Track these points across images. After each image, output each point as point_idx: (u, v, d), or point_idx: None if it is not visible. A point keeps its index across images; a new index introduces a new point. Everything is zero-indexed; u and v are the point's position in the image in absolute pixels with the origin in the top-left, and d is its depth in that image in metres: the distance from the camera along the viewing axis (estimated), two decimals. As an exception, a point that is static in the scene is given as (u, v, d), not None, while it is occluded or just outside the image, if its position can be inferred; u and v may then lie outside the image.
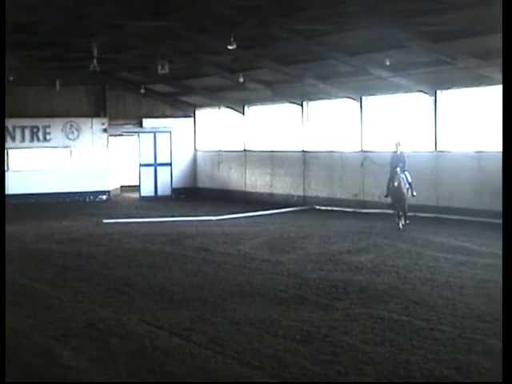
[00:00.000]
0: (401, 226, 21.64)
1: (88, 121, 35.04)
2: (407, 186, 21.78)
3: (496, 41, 20.61)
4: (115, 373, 9.12)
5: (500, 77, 22.55)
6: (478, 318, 11.43)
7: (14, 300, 13.44)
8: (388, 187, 21.98)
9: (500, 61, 21.48)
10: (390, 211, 26.09)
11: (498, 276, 14.75)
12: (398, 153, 22.22)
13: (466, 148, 24.77)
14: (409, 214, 21.78)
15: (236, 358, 9.60)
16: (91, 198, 34.52)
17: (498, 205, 22.80)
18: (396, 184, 21.36)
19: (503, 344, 5.32)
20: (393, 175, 21.61)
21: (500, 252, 17.44)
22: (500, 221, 21.83)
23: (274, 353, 9.77)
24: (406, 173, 21.93)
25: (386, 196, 22.42)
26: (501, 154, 23.53)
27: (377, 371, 8.95)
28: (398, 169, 21.40)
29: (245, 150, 33.76)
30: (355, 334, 10.69)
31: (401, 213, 21.96)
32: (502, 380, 5.33)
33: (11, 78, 31.64)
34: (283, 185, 31.60)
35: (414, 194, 21.97)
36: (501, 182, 23.81)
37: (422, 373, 8.83)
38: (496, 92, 23.58)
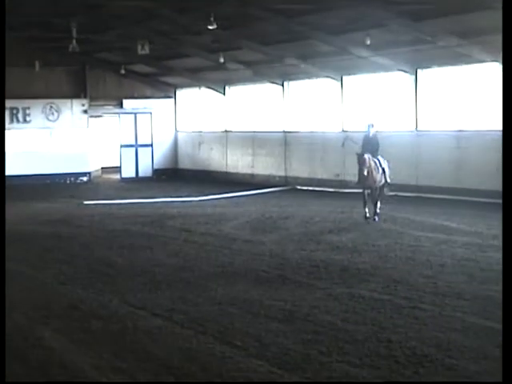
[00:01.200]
0: (367, 214, 19.60)
1: (68, 102, 34.88)
2: (380, 172, 19.80)
3: (475, 19, 20.73)
4: (97, 354, 9.13)
5: (478, 55, 22.72)
6: (458, 296, 11.51)
7: None
8: (358, 175, 19.73)
9: (480, 39, 21.78)
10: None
11: (477, 254, 14.90)
12: (371, 135, 20.19)
13: (446, 127, 24.85)
14: (390, 193, 21.60)
15: (218, 337, 9.63)
16: (72, 179, 34.42)
17: (476, 183, 23.06)
18: (365, 173, 19.20)
19: (503, 344, 5.22)
20: (361, 163, 19.32)
21: (479, 230, 17.65)
22: (479, 199, 22.16)
23: (255, 332, 9.81)
24: (380, 157, 19.98)
25: (357, 184, 20.24)
26: (480, 133, 23.89)
27: (358, 350, 9.01)
28: (366, 156, 19.33)
29: (226, 130, 33.75)
30: (336, 313, 10.74)
31: (372, 201, 19.83)
32: (502, 380, 5.28)
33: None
34: (264, 165, 31.61)
35: (389, 180, 20.07)
36: (480, 161, 24.13)
37: (403, 351, 8.89)
38: (475, 70, 23.71)
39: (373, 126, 20.40)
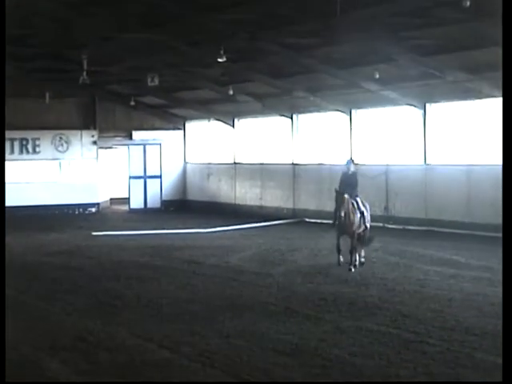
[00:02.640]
0: (342, 260, 17.56)
1: (77, 133, 35.00)
2: (358, 215, 17.52)
3: (483, 55, 20.81)
4: (104, 386, 9.11)
5: (488, 90, 22.76)
6: (467, 331, 11.46)
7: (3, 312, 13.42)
8: (334, 216, 17.50)
9: (488, 75, 21.86)
10: (379, 224, 26.23)
11: (486, 289, 14.83)
12: (350, 172, 18.00)
13: (456, 161, 24.85)
14: (395, 226, 21.12)
15: (225, 370, 9.59)
16: (81, 210, 34.45)
17: (486, 218, 23.00)
18: (343, 214, 16.97)
19: (503, 344, 5.25)
20: (339, 203, 17.10)
21: (489, 264, 17.57)
22: (489, 233, 22.08)
23: (263, 366, 9.76)
24: (358, 199, 17.76)
25: (333, 226, 17.93)
26: (490, 168, 23.84)
27: (366, 384, 8.97)
28: (346, 195, 17.15)
29: (235, 162, 33.78)
30: (344, 346, 10.69)
31: (350, 247, 17.52)
32: (502, 380, 5.35)
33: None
34: (273, 197, 31.62)
35: (368, 225, 17.87)
36: (490, 196, 24.05)
37: (411, 386, 8.85)
38: (484, 105, 23.75)
39: (352, 161, 18.49)
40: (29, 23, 22.43)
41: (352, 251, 17.24)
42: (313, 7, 18.81)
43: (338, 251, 17.48)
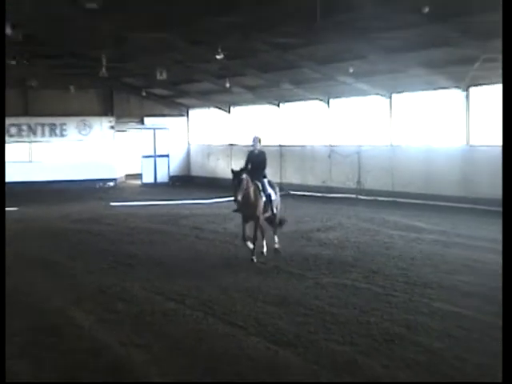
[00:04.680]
0: (252, 246, 13.62)
1: (98, 119, 34.88)
2: (263, 198, 13.54)
3: (439, 53, 20.82)
4: (121, 332, 9.13)
5: (444, 83, 22.80)
6: (425, 285, 11.50)
7: (35, 270, 13.43)
8: (235, 199, 13.12)
9: (443, 70, 21.91)
10: (352, 195, 26.28)
11: (442, 250, 14.88)
12: (256, 152, 14.08)
13: (416, 143, 24.85)
14: (367, 197, 21.05)
15: (223, 319, 9.62)
16: (100, 184, 34.34)
17: (442, 190, 23.06)
18: (240, 197, 12.90)
19: (503, 344, 5.32)
20: (237, 183, 12.98)
21: (444, 229, 17.63)
22: (445, 203, 22.15)
23: (254, 314, 9.82)
24: (266, 180, 13.83)
25: (236, 211, 13.85)
26: (446, 148, 23.88)
27: (341, 330, 9.00)
28: (245, 175, 13.12)
29: (230, 144, 33.70)
30: (323, 298, 10.75)
31: (258, 232, 13.89)
32: (502, 380, 5.27)
33: (34, 84, 31.64)
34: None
35: (275, 210, 13.94)
36: (445, 171, 23.99)
37: (379, 331, 8.88)
38: (440, 95, 23.77)
39: (259, 140, 14.21)
40: (55, 27, 22.32)
41: (261, 236, 13.86)
42: (297, 12, 18.72)
43: (244, 238, 13.55)
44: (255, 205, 13.34)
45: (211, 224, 19.59)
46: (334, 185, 27.59)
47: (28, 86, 32.58)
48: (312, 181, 28.86)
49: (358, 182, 26.59)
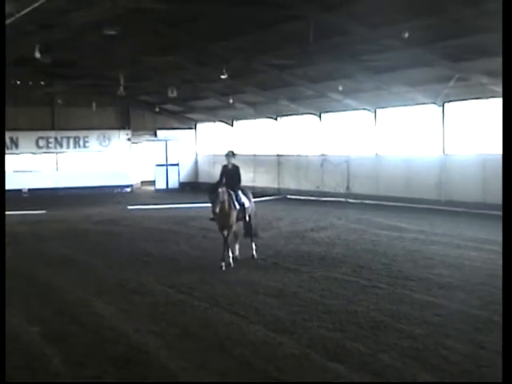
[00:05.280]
0: (231, 260, 12.84)
1: (116, 132, 34.91)
2: (237, 207, 12.87)
3: (417, 73, 20.91)
4: (137, 320, 9.13)
5: (422, 99, 22.84)
6: (407, 278, 11.49)
7: (60, 266, 13.44)
8: (213, 211, 12.63)
9: (421, 88, 21.95)
10: (342, 199, 26.27)
11: (421, 247, 14.86)
12: (230, 166, 13.36)
13: (399, 153, 24.85)
14: (355, 201, 20.93)
15: (227, 309, 9.61)
16: (118, 190, 34.31)
17: (422, 194, 23.07)
18: (217, 210, 12.46)
19: (503, 343, 4.69)
20: (214, 196, 12.49)
21: (423, 229, 17.61)
22: (423, 206, 22.15)
23: (255, 305, 9.81)
24: (240, 191, 13.16)
25: (212, 219, 13.10)
26: (426, 158, 23.88)
27: (332, 318, 8.98)
28: (220, 189, 12.54)
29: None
30: (316, 290, 10.74)
31: (234, 241, 13.29)
32: (502, 380, 4.74)
33: (60, 102, 31.83)
34: (262, 180, 31.55)
35: (247, 218, 13.28)
36: (423, 177, 23.90)
37: (365, 319, 8.87)
38: (418, 110, 23.86)
39: (233, 154, 13.52)
40: (79, 51, 22.40)
41: (234, 241, 13.17)
42: (292, 37, 18.78)
43: (225, 247, 12.83)
44: (229, 215, 12.73)
45: (216, 225, 19.51)
46: (326, 190, 27.58)
47: (55, 104, 32.73)
48: (306, 186, 28.86)
49: (347, 188, 26.59)
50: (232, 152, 13.55)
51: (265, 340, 8.12)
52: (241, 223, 13.51)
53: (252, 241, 13.65)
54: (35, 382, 6.88)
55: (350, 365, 7.10)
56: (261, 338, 8.18)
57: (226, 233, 12.83)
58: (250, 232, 13.61)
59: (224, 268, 12.58)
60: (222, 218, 12.68)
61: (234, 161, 13.40)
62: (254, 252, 13.57)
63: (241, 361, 7.37)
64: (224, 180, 12.94)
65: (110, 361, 7.40)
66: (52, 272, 12.90)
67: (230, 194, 12.76)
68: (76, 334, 8.52)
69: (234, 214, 12.85)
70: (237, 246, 13.52)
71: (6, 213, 22.85)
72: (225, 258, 12.79)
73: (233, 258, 13.03)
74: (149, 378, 6.90)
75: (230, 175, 13.14)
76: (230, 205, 12.74)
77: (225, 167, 13.39)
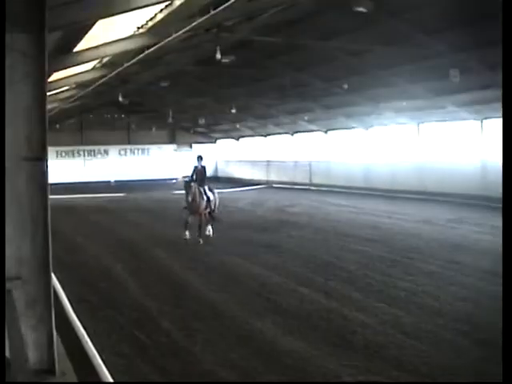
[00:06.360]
0: (187, 236, 10.79)
1: (167, 146, 34.69)
2: (205, 199, 11.24)
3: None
4: (181, 261, 8.90)
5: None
6: (346, 235, 11.14)
7: (134, 227, 12.95)
8: (186, 200, 11.06)
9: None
10: (307, 187, 26.03)
11: (356, 216, 14.38)
12: (199, 167, 11.57)
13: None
14: (315, 188, 20.05)
15: (235, 255, 9.39)
16: (167, 181, 34.25)
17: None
18: (190, 198, 10.94)
19: (503, 343, 3.37)
20: (187, 190, 11.05)
21: (361, 205, 16.99)
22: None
23: (251, 252, 9.63)
24: (206, 187, 11.51)
25: (184, 209, 11.26)
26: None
27: (300, 260, 8.82)
28: (193, 184, 11.08)
29: (240, 160, 33.62)
30: (292, 242, 10.57)
31: (199, 225, 11.08)
32: (502, 380, 3.55)
33: (133, 126, 31.98)
34: (257, 175, 31.45)
35: (215, 210, 11.48)
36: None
37: (312, 259, 8.71)
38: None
39: (202, 158, 11.72)
40: (145, 96, 22.64)
41: (200, 226, 11.07)
42: (276, 86, 18.79)
43: (185, 227, 10.90)
44: (198, 204, 11.05)
45: (228, 202, 18.90)
46: (297, 181, 27.51)
47: (130, 128, 32.66)
48: (285, 178, 28.83)
49: (310, 180, 26.50)
50: (201, 156, 11.65)
51: (261, 273, 8.05)
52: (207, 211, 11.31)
53: (212, 225, 11.39)
54: (37, 382, 3.66)
55: (313, 289, 7.04)
56: (258, 272, 8.10)
57: (191, 218, 10.90)
58: (211, 218, 11.48)
59: (186, 240, 10.65)
60: (192, 206, 10.92)
61: (203, 163, 11.43)
62: (211, 233, 11.31)
63: (244, 287, 7.27)
64: (195, 177, 11.24)
65: (166, 286, 7.35)
66: (128, 229, 12.72)
67: (199, 189, 11.15)
68: (144, 269, 8.47)
69: (203, 203, 11.10)
70: (208, 227, 11.30)
71: (101, 195, 22.78)
72: (185, 236, 10.74)
73: (199, 235, 10.82)
74: (187, 293, 6.76)
75: (200, 174, 11.37)
76: (199, 196, 11.09)
77: (196, 168, 11.46)
